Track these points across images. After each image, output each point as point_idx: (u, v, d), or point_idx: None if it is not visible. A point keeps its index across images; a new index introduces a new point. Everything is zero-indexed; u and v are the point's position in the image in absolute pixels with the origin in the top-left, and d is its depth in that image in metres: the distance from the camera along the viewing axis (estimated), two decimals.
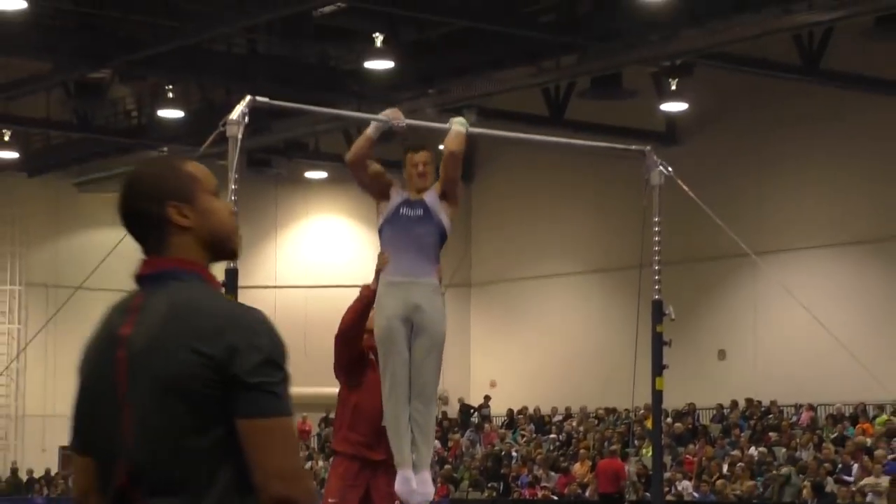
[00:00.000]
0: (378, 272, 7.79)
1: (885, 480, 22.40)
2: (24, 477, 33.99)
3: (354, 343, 7.86)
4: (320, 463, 30.58)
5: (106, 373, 2.72)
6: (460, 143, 8.06)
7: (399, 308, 7.56)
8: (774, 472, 23.35)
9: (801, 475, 22.92)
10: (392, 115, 8.10)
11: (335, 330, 7.87)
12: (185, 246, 2.81)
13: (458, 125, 8.21)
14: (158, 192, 2.80)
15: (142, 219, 2.82)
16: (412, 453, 7.62)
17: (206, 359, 2.62)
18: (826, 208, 28.94)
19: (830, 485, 22.55)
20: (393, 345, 7.54)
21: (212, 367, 2.61)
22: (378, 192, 7.85)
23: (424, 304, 7.61)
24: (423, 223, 7.75)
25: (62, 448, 35.94)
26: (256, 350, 2.65)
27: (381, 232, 7.83)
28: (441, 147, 8.23)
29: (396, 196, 7.79)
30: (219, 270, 7.74)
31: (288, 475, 2.64)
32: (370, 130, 7.93)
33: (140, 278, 2.85)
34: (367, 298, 7.78)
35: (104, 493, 2.75)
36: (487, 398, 33.76)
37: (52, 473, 34.43)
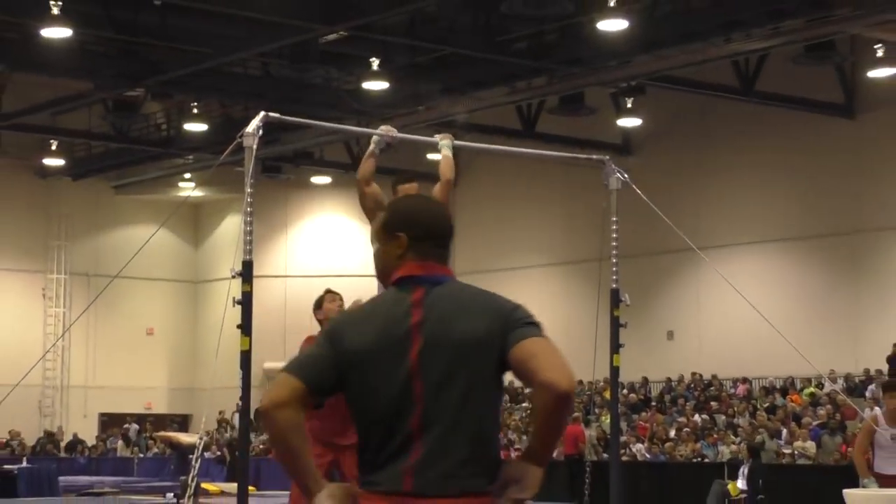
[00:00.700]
0: None
1: (811, 445, 22.44)
2: (68, 439, 33.91)
3: None
4: None
5: (397, 351, 3.08)
6: (453, 168, 7.94)
7: None
8: (751, 438, 22.87)
9: (774, 439, 22.64)
10: (386, 131, 8.05)
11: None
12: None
13: (447, 149, 8.10)
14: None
15: (450, 237, 3.35)
16: None
17: (494, 325, 3.08)
18: (759, 210, 29.01)
19: (764, 447, 22.61)
20: None
21: (497, 330, 3.08)
22: (371, 210, 7.59)
23: None
24: None
25: (101, 414, 35.94)
26: (519, 314, 3.14)
27: None
28: (438, 154, 8.14)
29: None
30: (237, 262, 7.71)
31: (567, 373, 3.08)
32: (372, 147, 7.76)
33: (413, 279, 3.21)
34: None
35: (387, 437, 3.09)
36: None
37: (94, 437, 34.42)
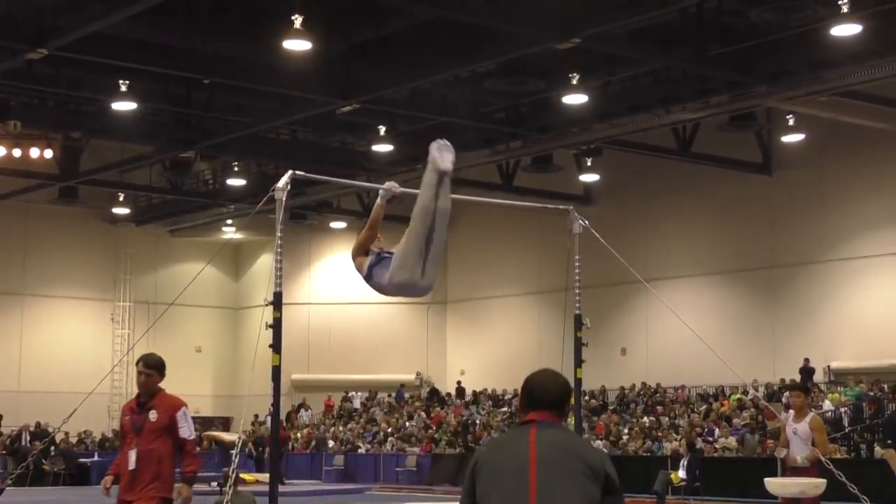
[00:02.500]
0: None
1: (734, 441, 22.34)
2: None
3: None
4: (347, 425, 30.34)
5: (520, 465, 3.45)
6: None
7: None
8: (689, 436, 22.62)
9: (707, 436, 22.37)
10: (390, 186, 7.99)
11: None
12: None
13: None
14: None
15: (565, 399, 3.68)
16: None
17: (597, 472, 3.41)
18: (694, 249, 29.04)
19: (699, 443, 22.53)
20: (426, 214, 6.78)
21: (599, 476, 3.41)
22: (360, 245, 7.44)
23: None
24: None
25: None
26: (612, 477, 3.44)
27: (371, 267, 7.37)
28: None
29: (371, 253, 7.37)
30: (269, 292, 7.66)
31: None
32: (380, 200, 7.52)
33: (531, 421, 3.57)
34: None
35: None
36: (459, 382, 33.67)
37: None
